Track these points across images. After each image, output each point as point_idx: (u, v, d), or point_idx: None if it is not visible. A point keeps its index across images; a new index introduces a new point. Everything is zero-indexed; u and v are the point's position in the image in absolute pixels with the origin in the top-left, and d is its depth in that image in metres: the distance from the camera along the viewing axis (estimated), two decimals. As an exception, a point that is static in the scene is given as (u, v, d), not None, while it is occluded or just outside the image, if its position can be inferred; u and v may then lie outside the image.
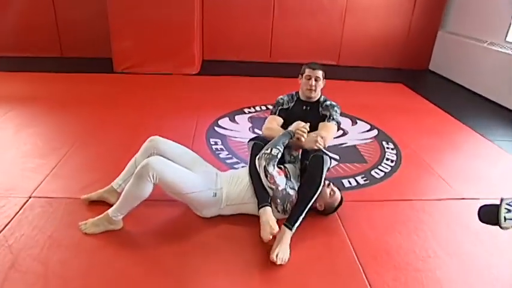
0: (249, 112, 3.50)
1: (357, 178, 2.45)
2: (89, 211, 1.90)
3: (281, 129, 2.14)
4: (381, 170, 2.58)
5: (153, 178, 1.64)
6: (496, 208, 1.27)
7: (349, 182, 2.41)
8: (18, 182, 2.13)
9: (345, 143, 3.00)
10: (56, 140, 2.71)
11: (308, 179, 1.87)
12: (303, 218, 1.80)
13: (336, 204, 1.95)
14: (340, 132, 3.11)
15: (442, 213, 2.14)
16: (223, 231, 1.83)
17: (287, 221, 1.77)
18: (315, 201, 1.86)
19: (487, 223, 1.31)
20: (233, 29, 5.20)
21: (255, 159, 1.85)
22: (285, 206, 1.81)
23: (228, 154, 2.68)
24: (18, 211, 1.89)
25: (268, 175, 1.76)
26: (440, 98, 4.26)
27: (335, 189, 1.94)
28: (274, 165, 1.78)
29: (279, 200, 1.80)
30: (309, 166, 1.89)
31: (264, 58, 5.42)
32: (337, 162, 2.65)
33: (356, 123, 3.42)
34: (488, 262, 1.78)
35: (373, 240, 1.87)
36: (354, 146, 2.97)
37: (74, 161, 2.43)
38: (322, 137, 1.99)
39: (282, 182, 1.81)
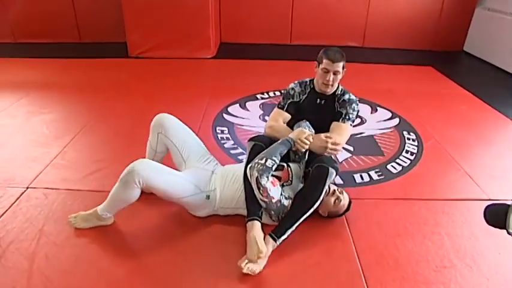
0: (262, 98, 3.33)
1: (370, 173, 2.25)
2: (82, 203, 1.86)
3: (286, 127, 1.94)
4: (399, 164, 2.36)
5: (140, 184, 1.54)
6: (505, 209, 1.10)
7: (361, 176, 2.21)
8: (18, 172, 2.12)
9: (362, 133, 2.78)
10: (64, 128, 2.70)
11: (306, 192, 1.68)
12: (292, 231, 1.63)
13: (342, 211, 1.77)
14: (358, 120, 2.88)
15: (464, 216, 1.91)
16: (217, 232, 1.71)
17: (274, 231, 1.60)
18: (312, 212, 1.69)
19: (493, 226, 1.13)
20: (252, 10, 4.97)
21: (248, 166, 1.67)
22: (279, 216, 1.66)
23: (233, 144, 2.55)
24: (14, 202, 1.87)
25: (261, 187, 1.57)
26: (475, 82, 3.86)
27: (341, 196, 1.73)
28: (267, 177, 1.59)
29: (273, 212, 1.65)
30: (310, 177, 1.70)
31: (284, 40, 5.17)
32: (350, 155, 2.45)
33: (376, 110, 3.17)
34: (515, 275, 1.57)
35: (381, 245, 1.69)
36: (372, 136, 2.75)
37: (76, 150, 2.39)
38: (334, 143, 1.78)
39: (277, 193, 1.62)
